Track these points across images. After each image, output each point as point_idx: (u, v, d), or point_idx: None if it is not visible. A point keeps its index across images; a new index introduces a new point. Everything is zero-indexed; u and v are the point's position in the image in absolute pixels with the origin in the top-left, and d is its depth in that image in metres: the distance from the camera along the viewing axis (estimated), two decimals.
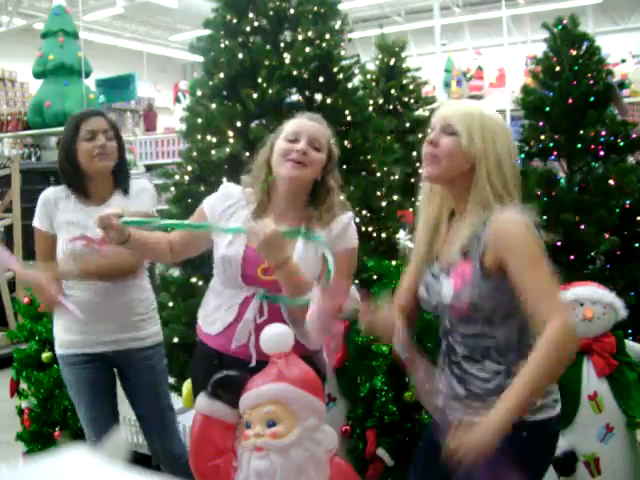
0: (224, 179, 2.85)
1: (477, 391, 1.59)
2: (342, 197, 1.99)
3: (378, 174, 3.32)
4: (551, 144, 3.39)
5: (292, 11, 3.21)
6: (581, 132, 3.31)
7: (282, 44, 3.21)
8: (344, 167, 3.27)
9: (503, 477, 1.48)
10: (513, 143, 1.64)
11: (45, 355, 3.02)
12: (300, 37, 3.16)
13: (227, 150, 2.98)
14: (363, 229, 3.15)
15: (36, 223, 2.33)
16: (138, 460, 2.54)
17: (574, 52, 3.40)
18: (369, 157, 3.29)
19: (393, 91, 6.16)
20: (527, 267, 1.49)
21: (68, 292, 2.24)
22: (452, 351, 1.66)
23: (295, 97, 3.27)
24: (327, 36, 3.22)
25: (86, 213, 2.27)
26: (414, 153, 6.00)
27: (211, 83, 3.21)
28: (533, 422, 1.56)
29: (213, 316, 1.91)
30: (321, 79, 3.19)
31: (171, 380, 3.19)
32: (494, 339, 1.57)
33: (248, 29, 3.20)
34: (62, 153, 2.32)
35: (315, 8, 3.24)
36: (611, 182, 3.25)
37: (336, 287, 1.74)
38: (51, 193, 2.33)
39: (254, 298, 1.83)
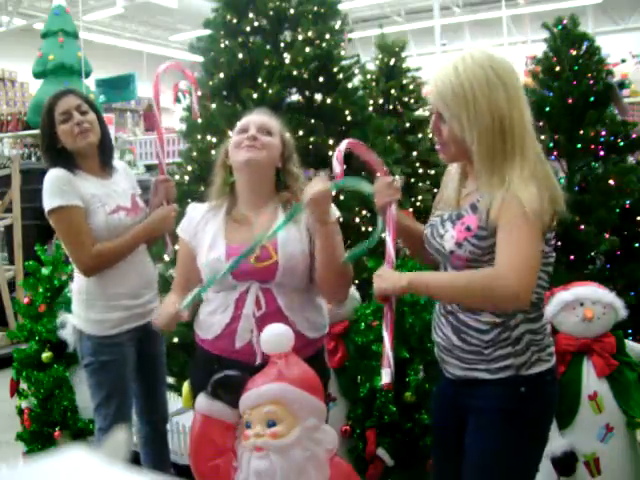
0: None
1: (473, 341, 1.60)
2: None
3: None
4: (551, 144, 3.39)
5: (292, 11, 3.21)
6: (581, 132, 3.31)
7: (282, 44, 3.21)
8: (344, 167, 3.27)
9: (509, 434, 1.55)
10: (506, 92, 1.53)
11: (45, 355, 3.02)
12: (300, 37, 3.16)
13: None
14: (363, 229, 3.15)
15: (63, 202, 2.19)
16: (138, 460, 2.53)
17: (574, 52, 3.40)
18: None
19: (393, 91, 6.16)
20: (507, 228, 1.50)
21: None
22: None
23: (295, 97, 3.27)
24: (327, 36, 3.22)
25: (104, 185, 2.31)
26: (414, 153, 6.01)
27: (211, 83, 3.22)
28: (529, 376, 1.58)
29: (208, 321, 1.88)
30: (321, 79, 3.19)
31: (171, 380, 3.19)
32: None
33: (248, 29, 3.21)
34: (45, 141, 2.29)
35: (315, 8, 3.24)
36: (611, 182, 3.25)
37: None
38: (62, 173, 2.23)
39: (249, 292, 1.81)
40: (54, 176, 2.22)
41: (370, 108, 3.71)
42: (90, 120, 2.28)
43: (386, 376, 1.61)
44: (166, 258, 2.43)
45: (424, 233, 1.74)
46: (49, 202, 2.21)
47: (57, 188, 2.20)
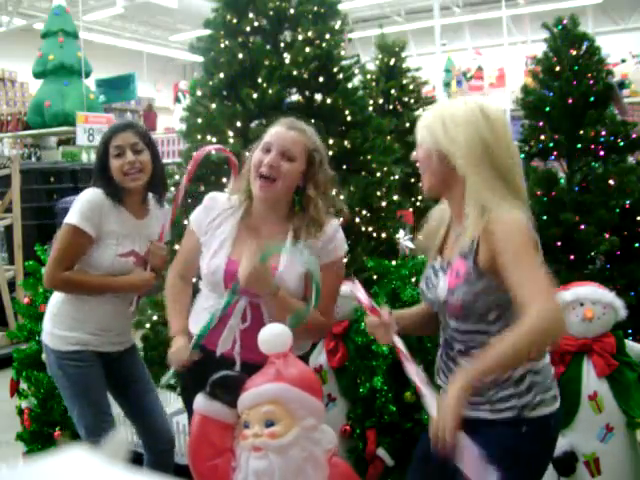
0: (224, 179, 2.85)
1: (476, 385, 1.56)
2: (330, 204, 1.97)
3: (378, 174, 3.32)
4: (551, 144, 3.39)
5: (292, 11, 3.21)
6: (581, 132, 3.31)
7: (282, 44, 3.21)
8: (344, 167, 3.27)
9: (505, 474, 1.48)
10: (495, 134, 1.56)
11: (45, 355, 3.01)
12: (300, 37, 3.16)
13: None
14: (363, 229, 3.15)
15: (79, 223, 2.20)
16: (138, 460, 2.53)
17: (574, 52, 3.40)
18: (369, 157, 3.29)
19: (393, 91, 6.16)
20: (514, 259, 1.47)
21: (94, 303, 2.33)
22: (449, 346, 1.68)
23: (295, 97, 3.27)
24: (327, 36, 3.22)
25: (133, 226, 2.31)
26: (414, 153, 6.00)
27: (211, 83, 3.22)
28: (532, 418, 1.57)
29: (199, 316, 1.94)
30: (321, 79, 3.19)
31: (171, 380, 3.19)
32: (488, 336, 1.57)
33: (248, 29, 3.20)
34: (97, 169, 2.32)
35: (315, 8, 3.24)
36: (611, 182, 3.25)
37: (321, 307, 1.82)
38: (100, 199, 2.25)
39: (237, 305, 1.85)
40: (89, 199, 2.24)
41: (370, 108, 3.71)
42: (143, 161, 2.26)
43: (431, 408, 1.53)
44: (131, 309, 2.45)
45: (420, 287, 1.76)
46: (70, 216, 2.24)
47: (84, 210, 2.22)
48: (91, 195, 2.25)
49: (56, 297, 2.41)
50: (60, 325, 2.35)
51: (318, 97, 3.20)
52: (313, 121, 3.13)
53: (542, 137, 3.42)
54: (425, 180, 1.65)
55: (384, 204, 3.29)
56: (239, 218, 1.91)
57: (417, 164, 1.67)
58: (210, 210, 1.96)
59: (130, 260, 2.29)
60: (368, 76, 6.20)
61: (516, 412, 1.57)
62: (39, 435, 3.01)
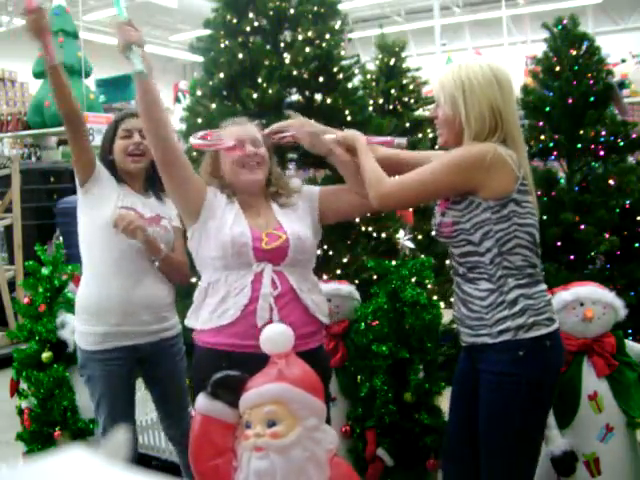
0: None
1: (475, 309, 1.77)
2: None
3: None
4: (551, 144, 3.38)
5: (292, 11, 3.21)
6: (581, 132, 3.30)
7: (282, 44, 3.21)
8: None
9: (513, 398, 1.70)
10: (505, 99, 1.78)
11: (45, 355, 3.01)
12: (300, 37, 3.16)
13: None
14: (363, 229, 3.15)
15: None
16: (138, 460, 2.53)
17: (574, 52, 3.40)
18: None
19: (393, 91, 6.15)
20: (434, 162, 1.78)
21: (104, 281, 2.29)
22: (455, 273, 1.86)
23: (295, 97, 3.27)
24: (327, 36, 3.22)
25: (136, 197, 2.38)
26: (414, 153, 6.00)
27: (211, 83, 3.22)
28: (527, 339, 1.71)
29: (222, 308, 1.86)
30: (321, 79, 3.19)
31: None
32: (479, 256, 1.76)
33: (248, 29, 3.20)
34: (101, 151, 2.42)
35: (315, 8, 3.24)
36: (611, 182, 3.25)
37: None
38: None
39: (264, 273, 1.85)
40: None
41: (370, 108, 3.71)
42: (146, 146, 2.33)
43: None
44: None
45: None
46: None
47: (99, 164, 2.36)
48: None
49: (80, 285, 2.38)
50: (81, 320, 2.33)
51: (318, 97, 3.20)
52: (313, 121, 3.13)
53: (542, 137, 3.41)
54: (442, 136, 1.85)
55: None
56: (237, 204, 1.99)
57: (435, 120, 1.87)
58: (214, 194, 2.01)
59: (131, 213, 2.29)
60: (368, 76, 6.20)
61: (512, 334, 1.70)
62: (39, 435, 3.01)
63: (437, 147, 2.07)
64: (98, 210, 2.29)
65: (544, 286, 1.80)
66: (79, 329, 2.35)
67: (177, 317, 2.45)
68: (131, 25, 1.89)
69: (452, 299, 1.94)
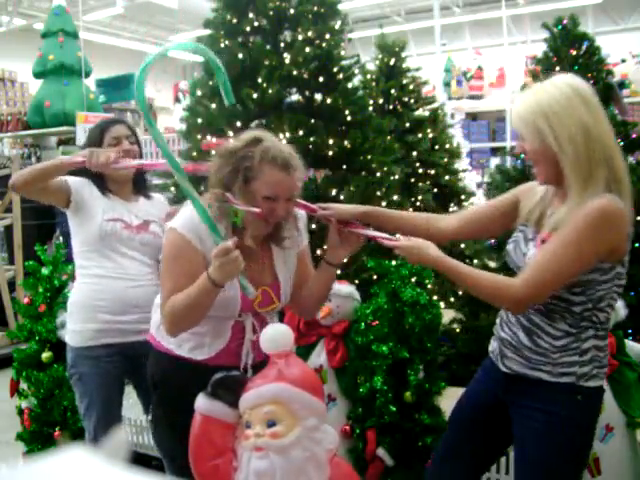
0: None
1: (543, 345, 1.69)
2: None
3: (378, 174, 3.32)
4: None
5: (292, 11, 3.21)
6: None
7: (282, 44, 3.21)
8: (344, 167, 3.27)
9: (564, 439, 1.66)
10: (594, 116, 1.60)
11: (45, 355, 3.02)
12: (300, 37, 3.16)
13: None
14: None
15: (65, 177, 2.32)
16: (138, 460, 2.53)
17: (574, 52, 3.40)
18: (369, 157, 3.29)
19: (393, 91, 6.16)
20: (556, 240, 1.59)
21: (95, 279, 2.31)
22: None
23: (295, 97, 3.28)
24: (327, 36, 3.22)
25: (121, 205, 2.37)
26: (414, 153, 6.01)
27: (211, 83, 3.22)
28: (587, 387, 1.67)
29: (195, 341, 1.82)
30: (321, 79, 3.20)
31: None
32: (569, 305, 1.65)
33: (248, 29, 3.21)
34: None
35: (315, 8, 3.24)
36: None
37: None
38: (87, 181, 2.35)
39: (246, 321, 1.83)
40: (80, 179, 2.35)
41: (370, 108, 3.71)
42: (135, 151, 2.40)
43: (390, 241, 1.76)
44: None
45: (506, 249, 1.83)
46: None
47: (75, 178, 2.34)
48: (81, 178, 2.34)
49: (72, 293, 2.42)
50: (74, 319, 2.35)
51: (318, 97, 3.21)
52: (313, 121, 3.14)
53: None
54: (540, 174, 1.69)
55: (384, 204, 3.29)
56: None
57: (525, 156, 1.75)
58: (202, 229, 1.76)
59: (118, 225, 2.31)
60: (368, 76, 6.20)
61: (574, 379, 1.66)
62: (39, 435, 3.01)
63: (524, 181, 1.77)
64: (87, 227, 2.32)
65: (608, 340, 1.76)
66: (71, 328, 2.37)
67: None
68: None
69: (502, 315, 1.83)
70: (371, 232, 1.84)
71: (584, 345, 1.67)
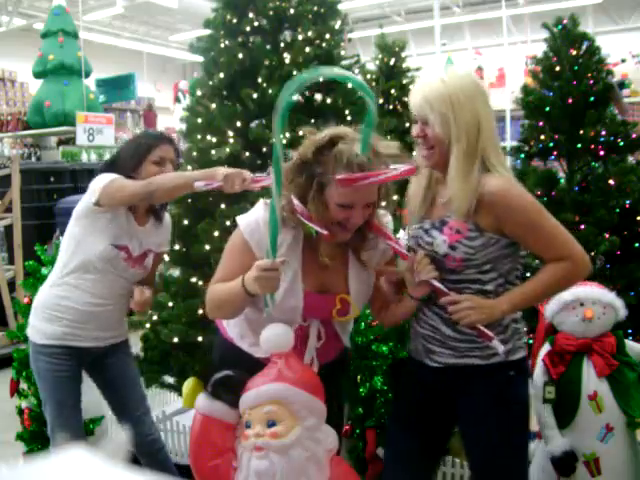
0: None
1: (467, 331, 1.73)
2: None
3: None
4: (551, 144, 3.39)
5: (292, 11, 3.21)
6: (581, 132, 3.31)
7: (282, 44, 3.21)
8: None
9: (509, 416, 1.73)
10: (486, 107, 1.71)
11: None
12: (300, 37, 3.16)
13: (227, 150, 2.98)
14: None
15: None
16: (138, 460, 2.53)
17: (574, 52, 3.40)
18: None
19: (393, 91, 6.16)
20: (534, 226, 1.68)
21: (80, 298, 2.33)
22: (439, 295, 1.76)
23: (295, 97, 3.27)
24: (327, 36, 3.22)
25: (133, 229, 2.34)
26: (414, 153, 6.01)
27: (211, 83, 3.21)
28: (515, 361, 1.75)
29: (256, 338, 1.77)
30: (321, 79, 3.19)
31: (171, 380, 3.19)
32: (481, 284, 1.72)
33: (248, 29, 3.20)
34: (126, 167, 2.29)
35: (315, 8, 3.24)
36: (611, 182, 3.25)
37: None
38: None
39: (311, 326, 1.79)
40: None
41: None
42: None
43: (499, 346, 1.71)
44: None
45: (408, 246, 1.84)
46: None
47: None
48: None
49: (42, 288, 2.43)
50: (39, 316, 2.37)
51: (318, 97, 3.20)
52: (313, 121, 3.13)
53: (542, 137, 3.42)
54: (431, 157, 1.76)
55: (384, 204, 3.28)
56: (302, 245, 1.75)
57: (422, 140, 1.76)
58: (263, 234, 1.70)
59: (122, 254, 2.31)
60: (368, 76, 6.20)
61: (503, 356, 1.72)
62: (39, 435, 3.01)
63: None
64: (92, 241, 2.28)
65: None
66: (32, 323, 2.39)
67: (126, 327, 2.57)
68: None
69: (418, 315, 1.86)
70: (436, 285, 1.75)
71: (503, 322, 1.74)
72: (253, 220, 1.75)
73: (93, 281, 2.32)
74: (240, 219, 1.77)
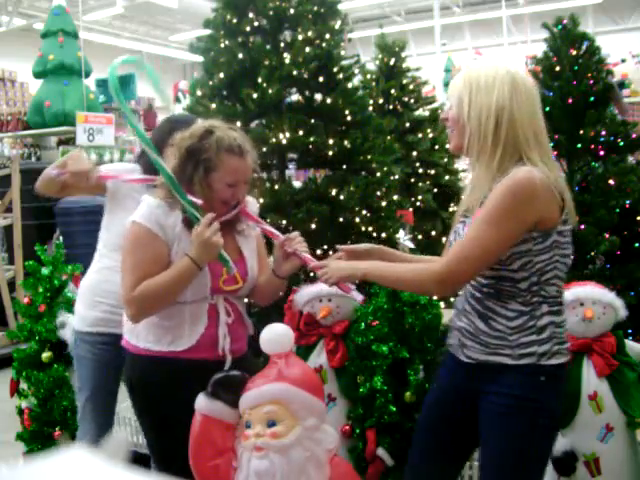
0: None
1: (499, 327, 1.68)
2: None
3: (378, 174, 3.31)
4: (551, 144, 3.38)
5: (292, 11, 3.21)
6: (581, 132, 3.30)
7: (282, 44, 3.21)
8: (344, 167, 3.27)
9: (530, 422, 1.65)
10: (523, 96, 1.66)
11: (45, 355, 3.01)
12: (300, 37, 3.16)
13: None
14: (363, 229, 3.15)
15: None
16: (138, 460, 2.53)
17: (574, 52, 3.40)
18: (369, 157, 3.29)
19: (393, 91, 6.15)
20: (481, 217, 1.62)
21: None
22: (476, 289, 1.73)
23: (295, 97, 3.28)
24: (327, 36, 3.22)
25: None
26: (414, 153, 6.01)
27: (211, 83, 3.22)
28: (549, 366, 1.66)
29: (173, 334, 1.86)
30: (321, 79, 3.20)
31: None
32: (514, 282, 1.66)
33: (248, 29, 3.21)
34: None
35: (315, 8, 3.24)
36: (611, 182, 3.25)
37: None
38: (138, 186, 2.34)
39: (218, 304, 1.90)
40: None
41: (370, 108, 3.71)
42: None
43: (357, 296, 1.87)
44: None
45: (449, 240, 1.84)
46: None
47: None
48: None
49: (86, 275, 2.46)
50: (82, 303, 2.40)
51: (318, 97, 3.21)
52: (313, 121, 3.14)
53: None
54: (452, 139, 1.77)
55: (384, 204, 3.29)
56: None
57: (447, 123, 1.78)
58: (168, 214, 1.86)
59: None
60: (368, 76, 6.20)
61: (535, 359, 1.65)
62: (39, 435, 3.01)
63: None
64: (120, 217, 2.24)
65: (565, 316, 1.75)
66: (76, 310, 2.44)
67: None
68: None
69: (458, 306, 1.83)
70: (303, 255, 1.93)
71: (540, 322, 1.66)
72: (142, 210, 1.87)
73: None
74: (132, 217, 1.88)
